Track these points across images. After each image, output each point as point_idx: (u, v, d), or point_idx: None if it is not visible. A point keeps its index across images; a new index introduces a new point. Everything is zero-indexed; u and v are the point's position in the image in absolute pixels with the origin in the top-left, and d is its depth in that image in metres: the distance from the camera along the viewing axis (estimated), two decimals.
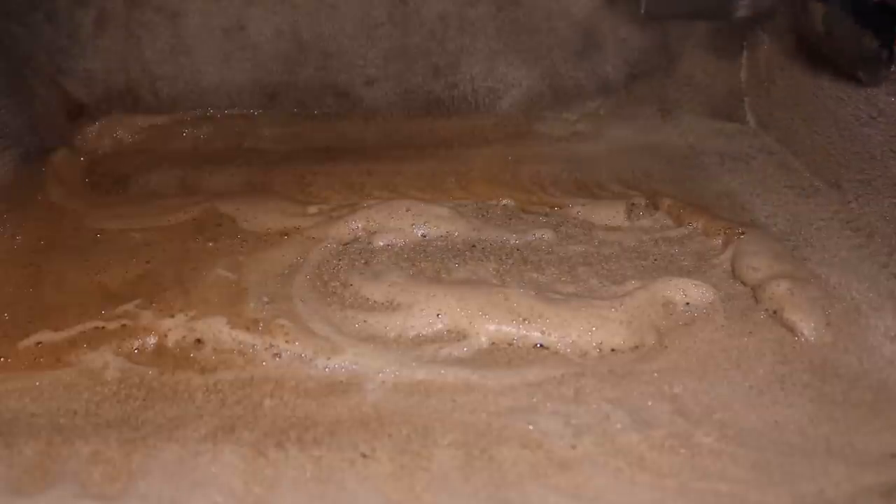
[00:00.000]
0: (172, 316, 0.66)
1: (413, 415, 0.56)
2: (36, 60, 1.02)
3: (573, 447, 0.53)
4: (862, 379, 0.59)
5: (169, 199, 0.87)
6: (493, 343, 0.63)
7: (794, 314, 0.65)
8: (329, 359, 0.61)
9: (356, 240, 0.79)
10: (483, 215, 0.84)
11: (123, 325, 0.65)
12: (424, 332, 0.65)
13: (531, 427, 0.55)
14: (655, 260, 0.75)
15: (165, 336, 0.64)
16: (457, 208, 0.83)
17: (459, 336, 0.64)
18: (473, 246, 0.77)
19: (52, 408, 0.57)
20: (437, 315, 0.65)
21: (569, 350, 0.63)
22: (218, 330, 0.64)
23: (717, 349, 0.62)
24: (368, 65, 1.06)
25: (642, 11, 1.04)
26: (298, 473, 0.51)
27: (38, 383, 0.59)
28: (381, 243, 0.77)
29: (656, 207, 0.85)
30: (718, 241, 0.77)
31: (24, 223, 0.82)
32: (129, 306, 0.67)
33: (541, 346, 0.63)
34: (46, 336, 0.64)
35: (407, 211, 0.81)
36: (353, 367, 0.61)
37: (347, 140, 1.04)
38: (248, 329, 0.64)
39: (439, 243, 0.78)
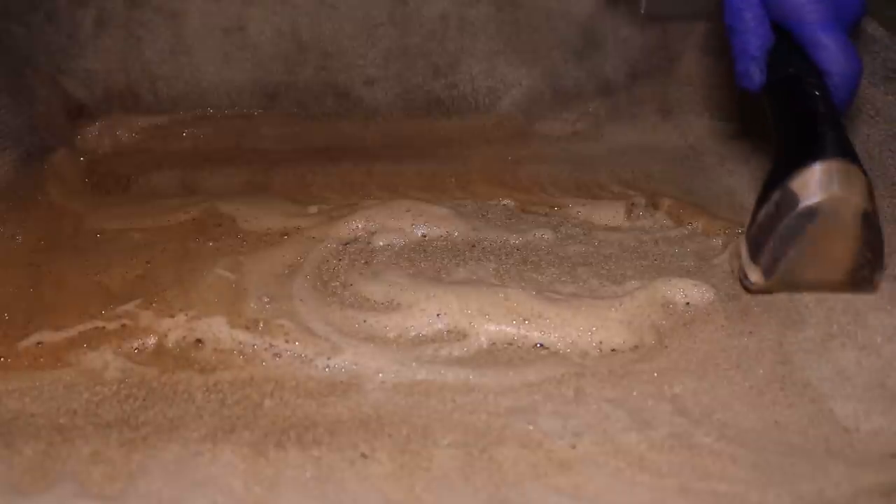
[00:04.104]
0: (172, 316, 0.66)
1: (413, 415, 0.56)
2: (36, 60, 1.02)
3: (573, 447, 0.53)
4: None
5: (169, 199, 0.87)
6: (493, 343, 0.63)
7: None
8: (329, 359, 0.61)
9: (356, 240, 0.79)
10: (483, 215, 0.84)
11: (123, 325, 0.65)
12: (424, 332, 0.65)
13: (531, 427, 0.55)
14: (655, 260, 0.75)
15: (165, 336, 0.64)
16: (457, 208, 0.83)
17: (459, 336, 0.64)
18: (473, 246, 0.77)
19: (52, 408, 0.57)
20: (437, 315, 0.65)
21: (569, 350, 0.63)
22: (218, 330, 0.64)
23: (717, 349, 0.62)
24: (368, 65, 1.06)
25: (642, 11, 1.04)
26: (298, 473, 0.51)
27: (38, 383, 0.59)
28: (381, 243, 0.78)
29: (656, 207, 0.85)
30: (718, 241, 0.77)
31: (24, 223, 0.82)
32: (129, 306, 0.67)
33: (541, 346, 0.63)
34: (46, 336, 0.64)
35: (407, 211, 0.81)
36: (353, 367, 0.61)
37: (347, 140, 1.04)
38: (248, 329, 0.64)
39: (439, 243, 0.78)
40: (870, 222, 0.60)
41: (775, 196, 0.62)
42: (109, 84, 1.05)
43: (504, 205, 0.86)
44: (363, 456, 0.52)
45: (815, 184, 0.59)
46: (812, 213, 0.60)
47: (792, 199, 0.60)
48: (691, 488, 0.50)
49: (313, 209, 0.84)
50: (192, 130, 1.05)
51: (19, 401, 0.58)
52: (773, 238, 0.62)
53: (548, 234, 0.79)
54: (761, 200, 0.64)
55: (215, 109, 1.07)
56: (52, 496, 0.49)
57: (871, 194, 0.60)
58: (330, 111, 1.08)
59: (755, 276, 0.64)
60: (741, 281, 0.68)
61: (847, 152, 0.61)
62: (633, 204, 0.85)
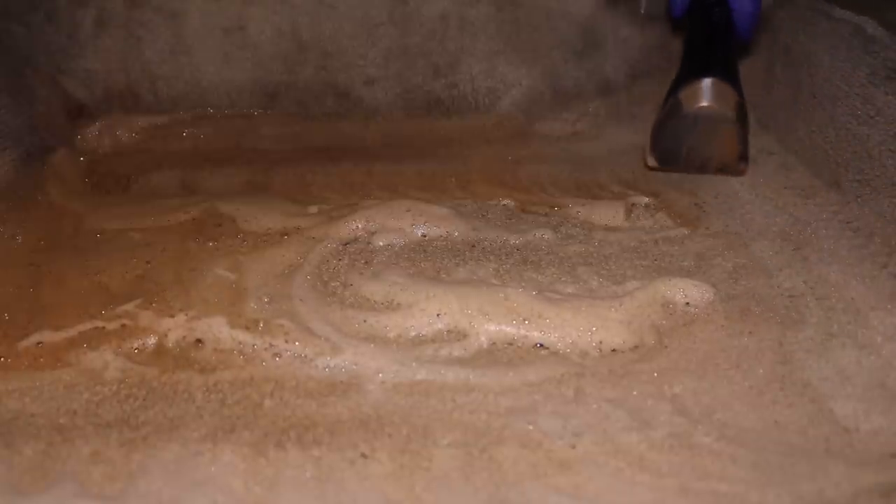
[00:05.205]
0: (172, 316, 0.66)
1: (413, 415, 0.56)
2: (36, 60, 1.02)
3: (573, 447, 0.53)
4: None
5: (169, 199, 0.87)
6: (493, 343, 0.63)
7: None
8: (329, 359, 0.61)
9: (356, 240, 0.79)
10: (483, 215, 0.84)
11: (123, 325, 0.65)
12: (424, 332, 0.65)
13: (531, 427, 0.55)
14: (655, 260, 0.75)
15: (165, 336, 0.64)
16: (457, 208, 0.83)
17: (459, 336, 0.64)
18: (473, 246, 0.77)
19: (52, 408, 0.57)
20: (437, 315, 0.65)
21: (569, 350, 0.63)
22: (218, 330, 0.64)
23: (717, 349, 0.62)
24: (368, 64, 1.07)
25: (642, 11, 1.04)
26: (298, 473, 0.51)
27: (38, 383, 0.59)
28: (381, 243, 0.78)
29: (656, 207, 0.85)
30: (718, 241, 0.77)
31: (24, 223, 0.82)
32: (129, 306, 0.67)
33: (541, 346, 0.63)
34: (46, 336, 0.64)
35: (407, 211, 0.81)
36: (353, 367, 0.61)
37: (347, 140, 1.04)
38: (248, 329, 0.64)
39: (439, 243, 0.78)
40: (735, 128, 0.82)
41: (669, 103, 0.84)
42: (109, 84, 1.05)
43: (504, 205, 0.86)
44: (363, 456, 0.52)
45: (696, 95, 0.81)
46: (691, 117, 0.82)
47: (678, 106, 0.83)
48: (691, 488, 0.50)
49: (313, 209, 0.84)
50: (192, 130, 1.05)
51: (19, 401, 0.58)
52: (665, 134, 0.85)
53: (548, 234, 0.79)
54: (662, 105, 0.85)
55: (215, 109, 1.07)
56: (52, 496, 0.49)
57: (739, 106, 0.81)
58: (330, 111, 1.08)
59: (651, 161, 0.88)
60: (645, 164, 0.90)
61: (727, 74, 0.82)
62: (633, 204, 0.85)
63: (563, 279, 0.71)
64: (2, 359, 0.62)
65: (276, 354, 0.62)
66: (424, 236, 0.79)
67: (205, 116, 1.06)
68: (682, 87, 0.82)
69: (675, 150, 0.85)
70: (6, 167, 0.91)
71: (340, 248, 0.77)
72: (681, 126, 0.83)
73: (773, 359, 0.61)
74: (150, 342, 0.64)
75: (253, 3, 1.03)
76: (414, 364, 0.61)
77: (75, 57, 1.03)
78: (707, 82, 0.81)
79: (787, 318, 0.65)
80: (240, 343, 0.63)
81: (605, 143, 1.02)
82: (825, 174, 0.85)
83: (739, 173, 0.87)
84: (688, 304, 0.67)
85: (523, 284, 0.70)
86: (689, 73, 0.83)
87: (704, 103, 0.81)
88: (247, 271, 0.73)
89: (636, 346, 0.63)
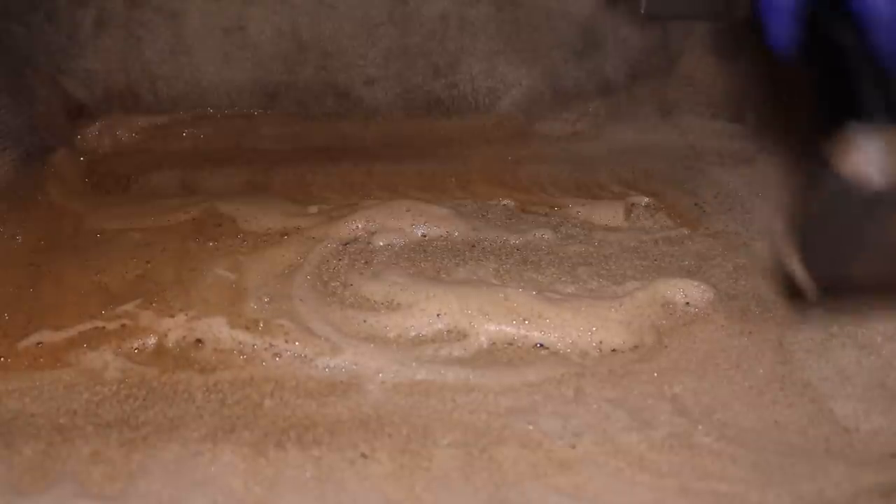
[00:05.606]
0: (172, 316, 0.66)
1: (413, 415, 0.56)
2: (36, 60, 1.02)
3: (573, 447, 0.53)
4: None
5: (169, 199, 0.87)
6: (493, 343, 0.63)
7: None
8: (329, 359, 0.61)
9: (356, 240, 0.79)
10: (483, 215, 0.84)
11: (123, 325, 0.65)
12: (424, 332, 0.65)
13: (531, 427, 0.55)
14: (655, 260, 0.75)
15: (165, 336, 0.64)
16: (457, 208, 0.83)
17: (459, 336, 0.64)
18: (473, 246, 0.77)
19: (52, 408, 0.57)
20: (437, 315, 0.65)
21: (569, 350, 0.63)
22: (218, 330, 0.64)
23: (717, 349, 0.62)
24: (368, 64, 1.06)
25: (642, 11, 1.04)
26: (298, 473, 0.51)
27: (38, 383, 0.59)
28: (381, 243, 0.78)
29: (656, 207, 0.85)
30: (718, 242, 0.77)
31: (24, 223, 0.82)
32: (129, 306, 0.67)
33: (541, 346, 0.63)
34: (46, 336, 0.64)
35: (407, 211, 0.81)
36: (353, 367, 0.61)
37: (347, 140, 1.04)
38: (248, 329, 0.64)
39: (439, 243, 0.78)
40: None
41: (823, 182, 0.49)
42: (109, 84, 1.05)
43: (504, 205, 0.86)
44: (363, 456, 0.52)
45: (866, 161, 0.47)
46: (871, 200, 0.47)
47: (844, 185, 0.48)
48: (691, 488, 0.50)
49: (313, 209, 0.84)
50: (192, 130, 1.05)
51: (19, 401, 0.58)
52: (826, 235, 0.51)
53: (548, 234, 0.79)
54: (805, 189, 0.53)
55: (215, 109, 1.07)
56: (52, 496, 0.49)
57: None
58: (330, 111, 1.08)
59: (814, 275, 0.53)
60: (798, 287, 0.55)
61: None
62: (632, 204, 0.85)
63: (563, 279, 0.71)
64: (2, 359, 0.62)
65: (276, 354, 0.62)
66: (424, 236, 0.79)
67: (205, 116, 1.06)
68: (839, 152, 0.48)
69: (847, 258, 0.52)
70: (6, 167, 0.91)
71: (340, 248, 0.77)
72: (853, 217, 0.50)
73: (773, 359, 0.61)
74: (150, 342, 0.64)
75: (253, 3, 1.03)
76: (414, 364, 0.61)
77: (75, 57, 1.03)
78: (880, 137, 0.47)
79: (787, 318, 0.65)
80: (240, 343, 0.63)
81: (605, 143, 1.02)
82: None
83: None
84: (688, 304, 0.67)
85: (523, 284, 0.70)
86: (840, 127, 0.49)
87: (887, 171, 0.47)
88: (247, 271, 0.73)
89: (636, 346, 0.63)
